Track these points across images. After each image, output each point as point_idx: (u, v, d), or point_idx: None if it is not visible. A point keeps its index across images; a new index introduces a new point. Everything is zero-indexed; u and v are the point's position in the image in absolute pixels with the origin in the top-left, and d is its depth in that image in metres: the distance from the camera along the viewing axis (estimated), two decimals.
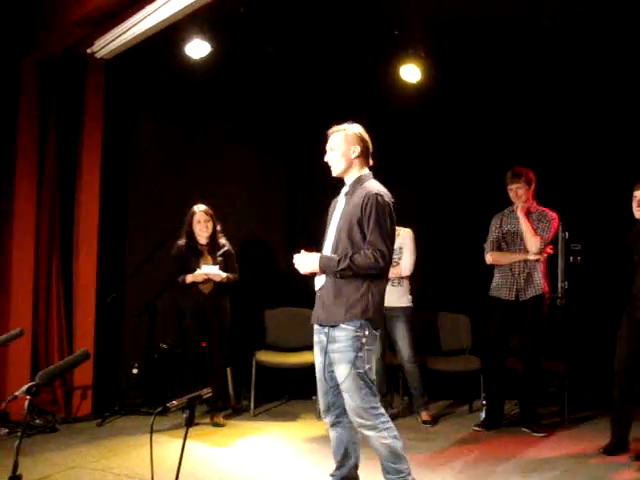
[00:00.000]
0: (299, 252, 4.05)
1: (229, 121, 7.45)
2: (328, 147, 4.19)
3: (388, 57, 6.78)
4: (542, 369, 5.94)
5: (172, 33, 5.65)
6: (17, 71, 6.08)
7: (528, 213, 5.87)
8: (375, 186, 4.01)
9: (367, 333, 3.87)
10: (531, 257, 5.82)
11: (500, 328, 5.98)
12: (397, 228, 6.21)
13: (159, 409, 2.77)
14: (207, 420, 6.16)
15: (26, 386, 2.52)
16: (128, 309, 6.70)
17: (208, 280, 6.06)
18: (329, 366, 4.01)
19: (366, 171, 4.12)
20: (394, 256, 6.18)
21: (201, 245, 6.18)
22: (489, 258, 6.05)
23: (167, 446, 5.20)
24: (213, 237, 6.19)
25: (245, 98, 7.37)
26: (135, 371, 6.63)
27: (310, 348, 6.69)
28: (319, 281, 4.03)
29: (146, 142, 6.99)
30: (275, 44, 6.73)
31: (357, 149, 4.08)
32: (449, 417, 6.51)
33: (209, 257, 6.15)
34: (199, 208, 6.17)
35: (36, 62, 6.14)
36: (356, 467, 4.19)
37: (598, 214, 6.81)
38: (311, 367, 6.41)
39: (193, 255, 6.14)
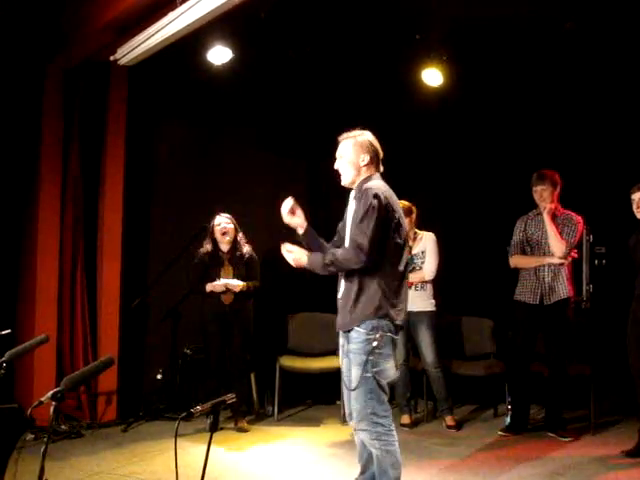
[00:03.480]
0: (284, 244, 4.16)
1: (251, 126, 7.45)
2: (338, 154, 4.15)
3: (410, 61, 6.77)
4: (567, 373, 5.90)
5: (194, 40, 5.66)
6: (42, 77, 6.14)
7: (553, 217, 5.83)
8: (374, 184, 3.96)
9: (379, 336, 3.82)
10: (556, 261, 5.78)
11: (525, 332, 5.94)
12: (419, 232, 6.26)
13: (183, 414, 2.77)
14: (231, 425, 6.17)
15: (51, 392, 2.53)
16: (152, 315, 6.72)
17: (228, 291, 6.08)
18: (348, 370, 4.01)
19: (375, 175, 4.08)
20: (417, 260, 6.17)
21: (223, 253, 6.20)
22: (513, 261, 6.02)
23: (191, 451, 5.21)
24: (235, 245, 6.21)
25: (267, 103, 7.37)
26: (159, 377, 6.65)
27: (333, 353, 6.76)
28: (340, 288, 4.05)
29: (169, 148, 7.02)
30: (296, 49, 6.73)
31: (366, 157, 4.05)
32: (474, 422, 6.47)
33: (229, 266, 6.16)
34: (222, 217, 6.19)
35: (61, 68, 6.19)
36: None
37: (622, 217, 6.73)
38: (334, 372, 6.46)
39: (214, 263, 6.16)
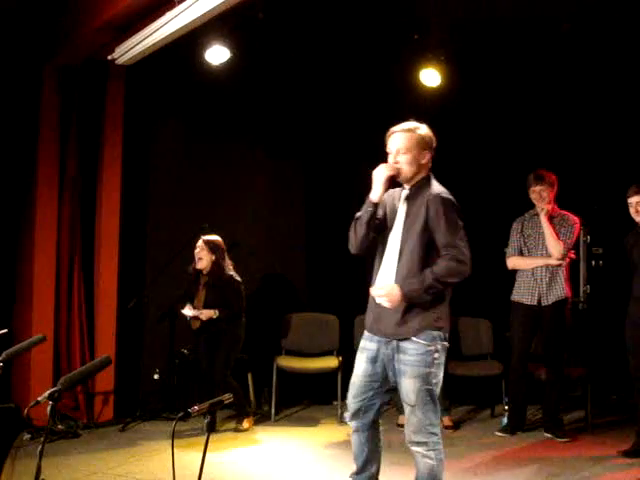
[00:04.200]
0: (374, 287, 3.75)
1: (249, 126, 7.45)
2: (394, 148, 3.79)
3: (408, 61, 6.77)
4: (564, 374, 5.90)
5: (192, 39, 5.66)
6: (39, 77, 6.14)
7: (550, 218, 5.83)
8: (437, 187, 3.79)
9: (439, 347, 3.67)
10: (553, 262, 5.79)
11: (522, 333, 5.94)
12: None
13: (180, 414, 2.77)
14: (229, 426, 6.18)
15: (48, 391, 2.53)
16: (149, 315, 6.72)
17: (196, 317, 6.08)
18: (385, 377, 3.81)
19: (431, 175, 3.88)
20: None
21: (202, 275, 6.19)
22: (510, 263, 6.02)
23: (189, 451, 5.20)
24: (213, 269, 6.12)
25: (265, 104, 7.37)
26: (156, 376, 6.64)
27: (330, 353, 6.77)
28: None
29: (166, 147, 7.01)
30: (294, 49, 6.73)
31: (427, 155, 3.83)
32: (471, 422, 6.47)
33: (203, 291, 6.17)
34: (200, 239, 6.14)
35: (58, 68, 6.19)
36: (377, 474, 4.09)
37: (620, 218, 6.74)
38: (331, 372, 6.47)
39: (195, 283, 6.22)
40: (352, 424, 3.97)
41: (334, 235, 7.67)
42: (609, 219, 6.85)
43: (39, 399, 2.55)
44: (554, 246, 5.76)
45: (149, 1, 5.06)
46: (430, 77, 6.74)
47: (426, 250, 3.67)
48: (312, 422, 6.51)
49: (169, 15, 5.09)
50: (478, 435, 6.02)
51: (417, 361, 3.64)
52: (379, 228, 3.84)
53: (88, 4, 5.53)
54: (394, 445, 5.10)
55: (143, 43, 5.53)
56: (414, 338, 3.65)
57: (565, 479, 4.85)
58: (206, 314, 6.02)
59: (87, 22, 5.55)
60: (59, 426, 5.80)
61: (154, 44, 5.50)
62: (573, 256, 6.02)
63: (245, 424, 6.13)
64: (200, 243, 6.10)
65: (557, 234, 5.78)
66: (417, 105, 7.11)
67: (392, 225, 3.80)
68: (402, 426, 6.10)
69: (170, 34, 5.29)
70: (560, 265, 5.80)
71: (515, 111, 7.36)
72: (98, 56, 6.01)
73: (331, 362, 6.64)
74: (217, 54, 6.03)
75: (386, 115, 7.48)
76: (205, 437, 2.66)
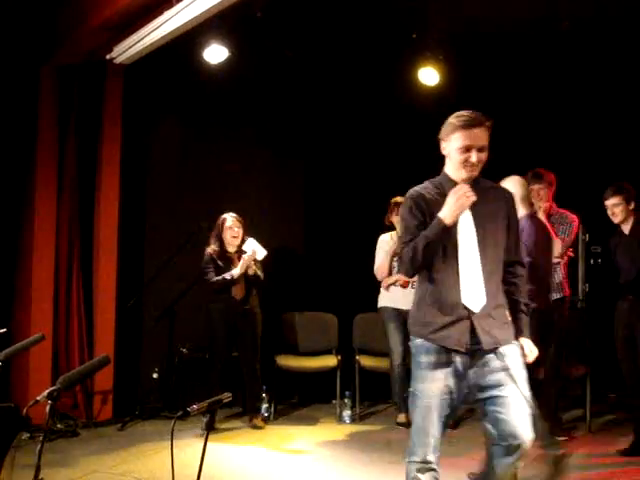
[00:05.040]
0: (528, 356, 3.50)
1: (248, 125, 7.45)
2: (479, 144, 3.37)
3: (406, 60, 6.77)
4: (563, 372, 5.90)
5: (190, 39, 5.67)
6: (37, 77, 6.14)
7: (548, 216, 5.83)
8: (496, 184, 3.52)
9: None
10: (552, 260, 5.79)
11: None
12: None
13: (179, 413, 2.77)
14: (233, 423, 6.21)
15: (47, 391, 2.53)
16: (148, 314, 6.72)
17: (239, 285, 6.08)
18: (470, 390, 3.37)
19: None
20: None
21: (229, 253, 6.20)
22: None
23: (188, 450, 5.21)
24: (242, 245, 6.21)
25: (264, 102, 7.37)
26: (155, 375, 6.64)
27: (329, 352, 6.77)
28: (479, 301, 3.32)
29: (165, 147, 7.01)
30: (293, 48, 6.73)
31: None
32: (470, 420, 6.47)
33: (238, 263, 6.17)
34: (230, 215, 6.19)
35: (56, 68, 6.19)
36: None
37: None
38: (330, 371, 6.47)
39: (223, 261, 6.16)
40: (433, 458, 3.50)
41: (333, 234, 7.72)
42: (608, 218, 6.85)
43: (38, 398, 2.55)
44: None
45: (147, 0, 5.06)
46: (428, 76, 6.75)
47: (502, 254, 3.42)
48: (311, 421, 6.51)
49: (167, 14, 5.10)
50: (477, 434, 5.99)
51: (522, 363, 3.42)
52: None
53: (86, 3, 5.53)
54: (393, 444, 5.11)
55: (141, 42, 5.54)
56: (514, 341, 3.43)
57: (564, 478, 4.85)
58: (263, 253, 6.11)
59: (85, 21, 5.56)
60: (58, 425, 5.80)
61: (152, 43, 5.52)
62: (571, 254, 6.02)
63: (260, 421, 6.19)
64: (234, 221, 6.17)
65: (555, 232, 5.78)
66: (415, 104, 7.13)
67: (456, 231, 3.34)
68: (401, 424, 6.14)
69: (168, 33, 5.30)
70: (558, 263, 5.80)
71: (514, 109, 7.35)
72: (96, 55, 6.02)
73: (330, 361, 6.64)
74: (215, 53, 6.03)
75: (385, 113, 7.57)
76: (204, 436, 2.66)
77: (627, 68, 6.51)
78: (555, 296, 5.80)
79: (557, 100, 7.16)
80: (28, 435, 5.42)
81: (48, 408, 2.54)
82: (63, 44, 5.94)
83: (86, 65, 6.22)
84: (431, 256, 3.30)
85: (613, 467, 5.03)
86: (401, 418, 6.26)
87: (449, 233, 3.29)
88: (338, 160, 7.68)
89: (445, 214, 3.25)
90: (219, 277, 6.08)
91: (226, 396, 2.82)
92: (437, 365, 3.32)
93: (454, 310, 3.31)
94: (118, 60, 5.98)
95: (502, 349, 3.31)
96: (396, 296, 6.23)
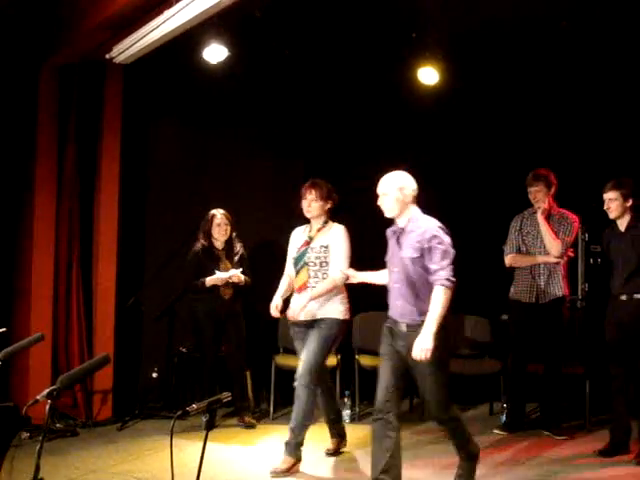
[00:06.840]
0: None
1: (248, 125, 7.44)
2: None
3: (406, 59, 6.76)
4: (562, 372, 5.90)
5: (190, 38, 5.66)
6: (36, 77, 6.14)
7: (549, 216, 5.84)
8: None
9: None
10: (551, 260, 5.80)
11: (520, 331, 5.95)
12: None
13: (179, 413, 2.77)
14: (229, 423, 6.21)
15: (47, 390, 2.53)
16: (147, 313, 6.72)
17: (228, 284, 6.08)
18: None
19: None
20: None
21: (217, 249, 6.21)
22: (508, 260, 6.02)
23: (187, 450, 5.21)
24: (230, 241, 6.23)
25: (264, 102, 7.37)
26: (155, 375, 6.65)
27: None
28: None
29: (164, 147, 7.01)
30: (292, 47, 6.73)
31: None
32: (469, 420, 6.45)
33: (227, 261, 6.18)
34: (219, 212, 6.20)
35: (55, 67, 6.19)
36: None
37: None
38: (330, 371, 6.46)
39: (210, 259, 6.17)
40: None
41: None
42: (608, 217, 6.85)
43: (38, 398, 2.56)
44: (552, 244, 5.77)
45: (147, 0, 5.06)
46: (428, 75, 6.73)
47: None
48: None
49: (167, 14, 5.10)
50: (476, 433, 5.99)
51: None
52: None
53: (86, 3, 5.53)
54: None
55: (141, 42, 5.54)
56: None
57: (563, 477, 4.85)
58: (237, 277, 6.09)
59: (85, 21, 5.55)
60: (58, 425, 5.81)
61: (152, 43, 5.51)
62: (571, 254, 6.03)
63: (251, 418, 6.23)
64: (223, 217, 6.20)
65: (556, 232, 5.79)
66: (415, 103, 7.12)
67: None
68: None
69: (168, 33, 5.29)
70: (558, 263, 5.81)
71: (514, 109, 7.35)
72: (96, 55, 6.01)
73: (330, 360, 6.62)
74: (215, 53, 6.02)
75: (384, 113, 7.56)
76: (204, 435, 2.67)
77: (628, 68, 6.51)
78: (555, 295, 5.81)
79: (557, 100, 7.15)
80: (28, 434, 5.42)
81: (48, 407, 2.55)
82: (63, 43, 5.94)
83: (86, 64, 6.22)
84: None
85: (612, 466, 5.04)
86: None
87: None
88: (338, 160, 7.67)
89: None
90: (197, 281, 6.13)
91: (225, 396, 2.82)
92: None
93: None
94: (118, 60, 5.97)
95: None
96: None
